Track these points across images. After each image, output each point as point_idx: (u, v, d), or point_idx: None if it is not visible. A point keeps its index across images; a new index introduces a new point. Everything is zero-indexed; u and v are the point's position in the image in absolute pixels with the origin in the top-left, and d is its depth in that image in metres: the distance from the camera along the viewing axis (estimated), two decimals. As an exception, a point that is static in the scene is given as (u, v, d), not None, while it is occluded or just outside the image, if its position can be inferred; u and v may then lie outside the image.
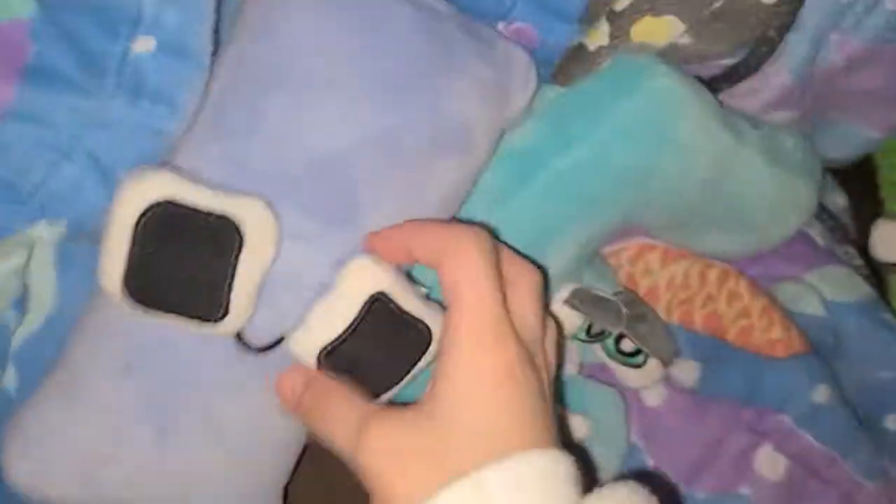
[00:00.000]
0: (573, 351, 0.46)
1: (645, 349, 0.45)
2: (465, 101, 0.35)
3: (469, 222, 0.35)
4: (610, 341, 0.45)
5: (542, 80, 0.39)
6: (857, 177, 0.55)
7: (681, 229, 0.46)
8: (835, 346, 0.51)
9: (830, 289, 0.50)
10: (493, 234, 0.34)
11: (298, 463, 0.41)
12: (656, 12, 0.36)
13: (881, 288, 0.52)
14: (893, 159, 0.54)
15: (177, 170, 0.31)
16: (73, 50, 0.30)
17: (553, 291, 0.43)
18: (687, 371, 0.49)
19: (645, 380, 0.46)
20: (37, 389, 0.35)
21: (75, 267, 0.36)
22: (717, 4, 0.36)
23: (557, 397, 0.35)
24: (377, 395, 0.34)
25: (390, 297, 0.33)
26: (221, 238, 0.31)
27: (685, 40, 0.38)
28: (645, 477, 0.33)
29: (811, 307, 0.51)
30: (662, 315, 0.49)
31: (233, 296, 0.31)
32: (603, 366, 0.46)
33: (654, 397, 0.48)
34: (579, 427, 0.43)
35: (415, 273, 0.37)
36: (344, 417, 0.31)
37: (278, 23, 0.33)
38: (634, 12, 0.36)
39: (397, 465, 0.30)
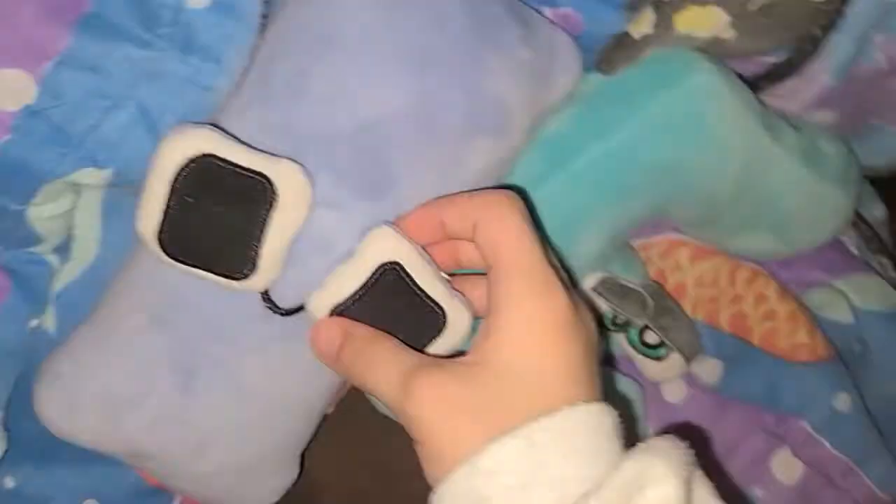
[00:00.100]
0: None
1: (668, 342, 0.45)
2: (504, 82, 0.35)
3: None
4: (634, 332, 0.45)
5: (586, 67, 0.39)
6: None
7: (712, 226, 0.46)
8: (861, 355, 0.50)
9: (860, 296, 0.50)
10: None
11: (317, 432, 0.41)
12: (701, 2, 0.36)
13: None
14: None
15: (219, 128, 0.32)
16: (130, 0, 0.31)
17: (581, 279, 0.43)
18: (709, 369, 0.49)
19: (666, 373, 0.46)
20: (74, 331, 0.36)
21: (120, 218, 0.38)
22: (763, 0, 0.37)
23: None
24: None
25: (405, 269, 0.33)
26: (255, 197, 0.32)
27: (729, 34, 0.38)
28: (684, 432, 0.33)
29: (840, 314, 0.51)
30: (689, 311, 0.49)
31: (261, 254, 0.32)
32: (625, 357, 0.47)
33: (674, 393, 0.49)
34: None
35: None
36: (390, 367, 0.31)
37: None
38: (680, 1, 0.37)
39: (447, 416, 0.29)
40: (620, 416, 0.31)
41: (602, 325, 0.45)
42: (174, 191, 0.31)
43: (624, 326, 0.45)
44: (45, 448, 0.40)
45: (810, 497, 0.47)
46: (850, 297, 0.50)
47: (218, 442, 0.37)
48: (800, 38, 0.39)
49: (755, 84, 0.43)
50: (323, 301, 0.33)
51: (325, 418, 0.42)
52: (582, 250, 0.42)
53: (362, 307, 0.33)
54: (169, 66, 0.32)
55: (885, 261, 0.52)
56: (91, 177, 0.33)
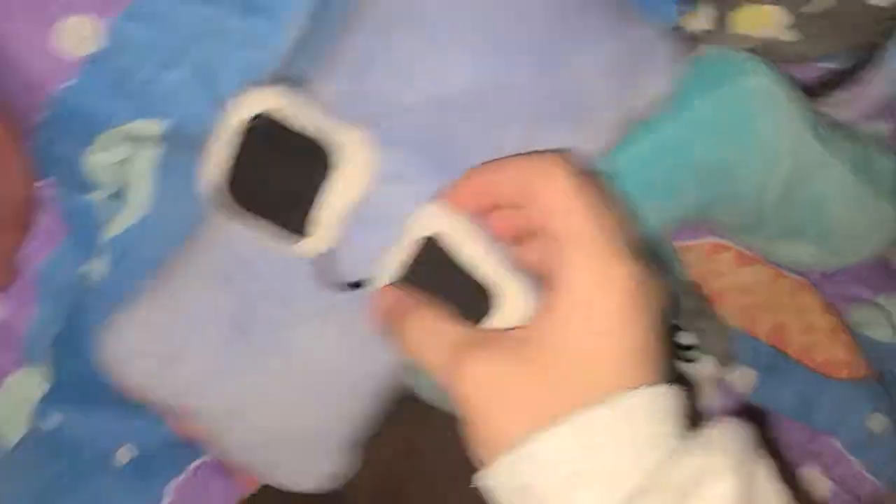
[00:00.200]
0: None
1: (700, 345, 0.45)
2: (584, 73, 0.35)
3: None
4: (666, 331, 0.45)
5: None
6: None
7: (756, 232, 0.45)
8: (900, 376, 0.49)
9: (903, 312, 0.49)
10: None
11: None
12: (761, 0, 0.36)
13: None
14: None
15: (291, 88, 0.32)
16: (201, -41, 0.32)
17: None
18: (743, 378, 0.49)
19: (698, 377, 0.46)
20: (142, 284, 0.37)
21: (173, 174, 0.39)
22: (826, 4, 0.36)
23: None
24: None
25: (447, 244, 0.31)
26: (316, 158, 0.32)
27: (790, 36, 0.38)
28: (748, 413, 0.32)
29: (880, 332, 0.50)
30: (726, 318, 0.48)
31: (317, 215, 0.33)
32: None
33: (705, 399, 0.48)
34: None
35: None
36: (439, 339, 0.30)
37: None
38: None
39: (497, 397, 0.28)
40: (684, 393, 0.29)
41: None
42: (240, 144, 0.32)
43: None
44: (88, 392, 0.41)
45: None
46: (894, 315, 0.49)
47: (263, 405, 0.36)
48: (858, 46, 0.39)
49: (811, 91, 0.43)
50: (379, 280, 0.33)
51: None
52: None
53: (412, 284, 0.32)
54: (230, 25, 0.33)
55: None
56: (147, 128, 0.34)
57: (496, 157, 0.32)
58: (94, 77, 0.33)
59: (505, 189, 0.30)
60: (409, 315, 0.31)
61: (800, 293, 0.48)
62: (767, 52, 0.40)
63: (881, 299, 0.49)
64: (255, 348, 0.36)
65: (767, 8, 0.36)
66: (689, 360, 0.46)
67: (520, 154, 0.32)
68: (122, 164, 0.37)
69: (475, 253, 0.31)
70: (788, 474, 0.29)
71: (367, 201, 0.33)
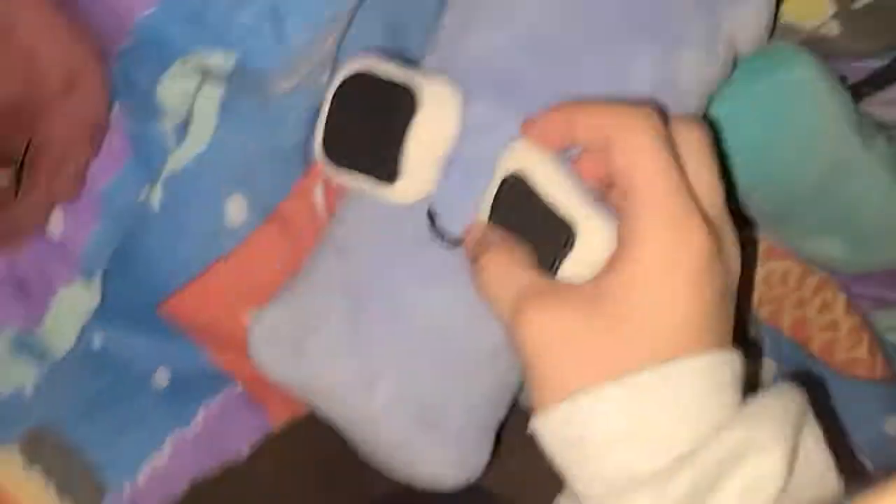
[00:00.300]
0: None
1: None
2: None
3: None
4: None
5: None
6: None
7: (787, 223, 0.46)
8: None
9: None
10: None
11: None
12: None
13: None
14: None
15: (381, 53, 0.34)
16: None
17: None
18: (764, 368, 0.50)
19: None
20: None
21: (234, 117, 0.41)
22: (871, -1, 0.38)
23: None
24: None
25: (531, 180, 0.31)
26: (399, 105, 0.34)
27: (833, 30, 0.39)
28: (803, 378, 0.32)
29: (901, 336, 0.50)
30: (753, 307, 0.50)
31: (404, 158, 0.34)
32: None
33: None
34: None
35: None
36: (510, 281, 0.30)
37: None
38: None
39: (556, 345, 0.28)
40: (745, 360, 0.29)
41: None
42: (333, 104, 0.35)
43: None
44: (133, 315, 0.44)
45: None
46: (919, 321, 0.50)
47: (387, 375, 0.36)
48: (903, 45, 0.40)
49: (858, 89, 0.44)
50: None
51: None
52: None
53: (499, 221, 0.32)
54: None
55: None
56: (216, 61, 0.36)
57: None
58: (173, 6, 0.34)
59: (588, 132, 0.30)
60: (488, 253, 0.31)
61: (825, 290, 0.49)
62: (814, 47, 0.41)
63: (907, 305, 0.50)
64: (372, 315, 0.36)
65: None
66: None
67: (607, 100, 0.31)
68: (190, 97, 0.39)
69: (559, 188, 0.31)
70: (839, 440, 0.29)
71: (458, 153, 0.34)
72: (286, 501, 0.49)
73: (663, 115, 0.30)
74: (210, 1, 0.35)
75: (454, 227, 0.35)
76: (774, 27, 0.40)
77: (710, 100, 0.40)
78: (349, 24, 0.39)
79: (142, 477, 0.42)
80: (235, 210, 0.43)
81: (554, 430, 0.28)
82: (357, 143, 0.35)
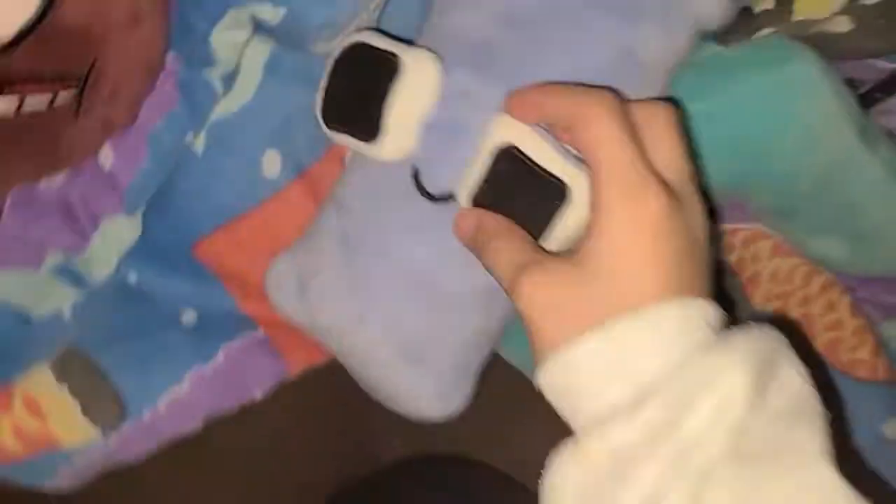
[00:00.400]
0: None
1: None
2: None
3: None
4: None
5: (707, 37, 0.43)
6: None
7: (790, 220, 0.48)
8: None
9: (933, 328, 0.51)
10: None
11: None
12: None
13: None
14: None
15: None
16: None
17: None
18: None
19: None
20: None
21: (278, 73, 0.44)
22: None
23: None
24: None
25: (521, 149, 0.35)
26: (384, 70, 0.37)
27: (844, 27, 0.42)
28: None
29: (910, 348, 0.51)
30: (759, 303, 0.51)
31: (386, 118, 0.37)
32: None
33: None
34: None
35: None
36: (506, 258, 0.34)
37: None
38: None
39: (547, 310, 0.32)
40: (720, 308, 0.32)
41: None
42: (330, 74, 0.39)
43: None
44: (168, 254, 0.46)
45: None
46: (923, 327, 0.51)
47: (375, 313, 0.40)
48: (913, 46, 0.42)
49: (868, 95, 0.46)
50: (462, 190, 0.37)
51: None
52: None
53: (494, 192, 0.35)
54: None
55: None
56: (268, 13, 0.40)
57: (560, 60, 0.36)
58: (232, -41, 0.38)
59: (559, 110, 0.34)
60: (484, 237, 0.35)
61: (830, 290, 0.51)
62: (823, 46, 0.43)
63: (912, 311, 0.51)
64: (365, 261, 0.40)
65: (831, -8, 0.40)
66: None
67: (571, 84, 0.35)
68: (240, 48, 0.42)
69: (548, 152, 0.34)
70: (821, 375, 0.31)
71: (438, 117, 0.38)
72: (295, 446, 0.51)
73: (624, 96, 0.33)
74: (266, -45, 0.38)
75: (434, 183, 0.38)
76: (787, 20, 0.42)
77: (711, 92, 0.42)
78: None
79: (161, 405, 0.45)
80: (270, 164, 0.46)
81: (550, 379, 0.32)
82: (348, 106, 0.38)
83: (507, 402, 0.52)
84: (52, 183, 0.42)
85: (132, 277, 0.46)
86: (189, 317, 0.47)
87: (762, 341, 0.30)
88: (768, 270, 0.51)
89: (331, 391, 0.50)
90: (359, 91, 0.38)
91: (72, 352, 0.44)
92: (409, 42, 0.39)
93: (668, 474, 0.28)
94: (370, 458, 0.55)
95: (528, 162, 0.35)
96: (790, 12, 0.41)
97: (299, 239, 0.43)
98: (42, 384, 0.43)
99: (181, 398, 0.45)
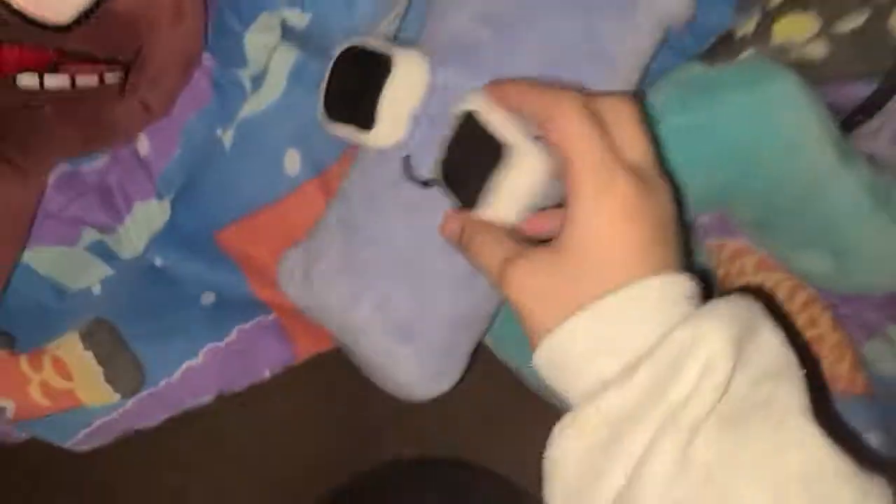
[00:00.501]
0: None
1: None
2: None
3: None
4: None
5: (694, 58, 0.48)
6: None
7: (773, 234, 0.50)
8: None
9: (910, 346, 0.53)
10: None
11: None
12: (800, 8, 0.44)
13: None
14: None
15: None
16: None
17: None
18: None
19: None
20: None
21: (301, 77, 0.48)
22: (858, 20, 0.43)
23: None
24: (469, 207, 0.39)
25: (481, 116, 0.38)
26: (379, 68, 0.41)
27: (820, 50, 0.45)
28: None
29: (889, 366, 0.53)
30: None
31: (379, 109, 0.41)
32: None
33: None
34: None
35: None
36: (492, 254, 0.36)
37: None
38: (783, 8, 0.44)
39: (535, 298, 0.34)
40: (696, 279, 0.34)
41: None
42: (333, 72, 0.43)
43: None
44: (193, 242, 0.50)
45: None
46: (901, 344, 0.53)
47: (369, 291, 0.42)
48: (885, 71, 0.45)
49: (850, 119, 0.49)
50: (435, 161, 0.40)
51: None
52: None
53: (455, 156, 0.39)
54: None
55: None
56: (296, 18, 0.44)
57: (536, 57, 0.40)
58: (267, -32, 0.43)
59: (531, 107, 0.37)
60: (469, 235, 0.38)
61: (813, 306, 0.53)
62: (803, 71, 0.46)
63: (890, 329, 0.54)
64: (362, 241, 0.43)
65: (806, 15, 0.44)
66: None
67: (545, 83, 0.38)
68: (270, 51, 0.47)
69: (502, 122, 0.38)
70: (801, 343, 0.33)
71: (427, 109, 0.42)
72: (296, 435, 0.54)
73: (592, 92, 0.36)
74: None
75: (422, 169, 0.42)
76: (767, 45, 0.46)
77: (695, 107, 0.45)
78: (409, 6, 0.47)
79: (177, 375, 0.48)
80: (291, 162, 0.50)
81: (544, 361, 0.34)
82: (346, 100, 0.43)
83: (505, 405, 0.55)
84: (94, 165, 0.47)
85: (159, 261, 0.50)
86: (208, 298, 0.51)
87: (740, 308, 0.32)
88: (753, 284, 0.54)
89: (332, 386, 0.53)
90: (355, 87, 0.42)
91: (99, 322, 0.48)
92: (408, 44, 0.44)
93: (659, 434, 0.30)
94: (368, 456, 0.57)
95: (484, 128, 0.38)
96: (769, 35, 0.45)
97: (309, 230, 0.47)
98: (70, 349, 0.47)
99: (196, 369, 0.48)
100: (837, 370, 0.52)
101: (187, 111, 0.47)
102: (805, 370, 0.33)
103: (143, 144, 0.47)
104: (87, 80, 0.39)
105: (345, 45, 0.43)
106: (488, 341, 0.51)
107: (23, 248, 0.44)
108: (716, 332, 0.31)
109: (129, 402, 0.47)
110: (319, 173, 0.51)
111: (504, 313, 0.47)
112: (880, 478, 0.31)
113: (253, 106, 0.49)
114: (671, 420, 0.30)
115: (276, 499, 0.54)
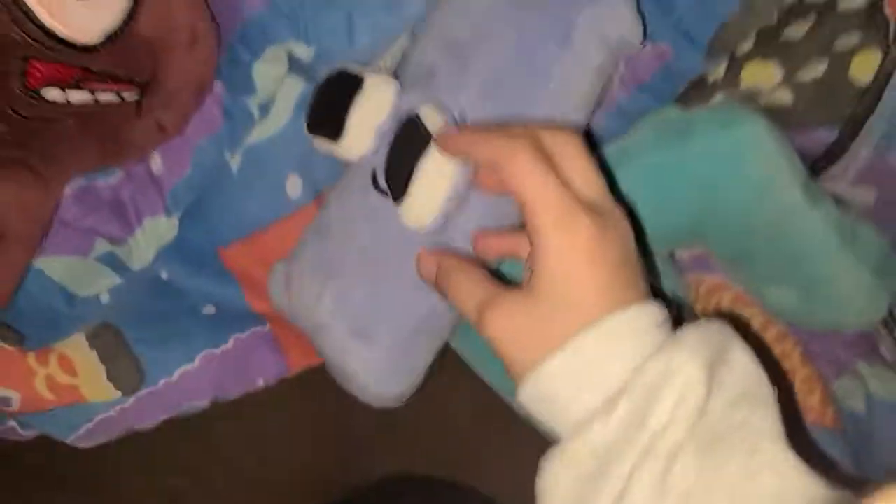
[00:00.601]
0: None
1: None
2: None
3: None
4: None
5: (671, 101, 0.51)
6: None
7: (745, 270, 0.52)
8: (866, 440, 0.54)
9: (877, 381, 0.55)
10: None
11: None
12: (763, 57, 0.47)
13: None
14: None
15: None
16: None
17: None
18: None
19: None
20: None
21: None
22: (818, 70, 0.47)
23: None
24: (400, 199, 0.43)
25: (420, 117, 0.42)
26: (350, 88, 0.45)
27: (786, 97, 0.49)
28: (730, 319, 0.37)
29: (857, 403, 0.55)
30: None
31: (347, 123, 0.45)
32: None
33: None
34: None
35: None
36: (469, 296, 0.38)
37: None
38: (749, 56, 0.48)
39: (513, 338, 0.36)
40: (663, 304, 0.36)
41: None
42: (317, 93, 0.47)
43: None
44: (198, 257, 0.54)
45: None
46: (868, 383, 0.55)
47: (330, 289, 0.45)
48: (846, 118, 0.49)
49: (817, 164, 0.52)
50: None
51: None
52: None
53: (393, 155, 0.43)
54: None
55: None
56: (301, 50, 0.49)
57: (478, 87, 0.44)
58: (276, 7, 0.47)
59: (482, 155, 0.38)
60: (444, 276, 0.40)
61: (784, 341, 0.55)
62: (771, 118, 0.50)
63: (860, 365, 0.56)
64: (329, 244, 0.47)
65: (770, 63, 0.47)
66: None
67: (493, 129, 0.40)
68: (278, 81, 0.51)
69: (435, 120, 0.42)
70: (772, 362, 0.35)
71: (392, 126, 0.45)
72: (285, 450, 0.56)
73: (538, 128, 0.38)
74: (301, 6, 0.47)
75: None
76: (737, 90, 0.49)
77: (670, 146, 0.48)
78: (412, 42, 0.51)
79: (175, 377, 0.51)
80: (293, 186, 0.54)
81: (528, 400, 0.36)
82: (322, 114, 0.46)
83: (494, 423, 0.56)
84: (109, 180, 0.51)
85: (164, 275, 0.54)
86: (209, 310, 0.54)
87: (710, 331, 0.34)
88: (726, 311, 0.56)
89: (323, 399, 0.55)
90: (331, 103, 0.46)
91: (105, 326, 0.51)
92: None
93: (639, 463, 0.32)
94: (360, 469, 0.59)
95: (421, 126, 0.42)
96: (738, 81, 0.49)
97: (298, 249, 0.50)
98: (76, 348, 0.50)
99: (192, 373, 0.51)
100: (808, 402, 0.54)
101: (199, 134, 0.51)
102: (777, 388, 0.34)
103: (157, 162, 0.51)
104: (107, 97, 0.43)
105: (330, 69, 0.46)
106: (470, 360, 0.54)
107: (36, 251, 0.47)
108: (687, 360, 0.32)
109: (129, 401, 0.50)
110: (318, 197, 0.54)
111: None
112: (850, 496, 0.32)
113: (260, 133, 0.52)
114: (650, 449, 0.32)
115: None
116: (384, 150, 0.45)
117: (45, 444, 0.52)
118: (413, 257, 0.44)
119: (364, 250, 0.46)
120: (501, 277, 0.43)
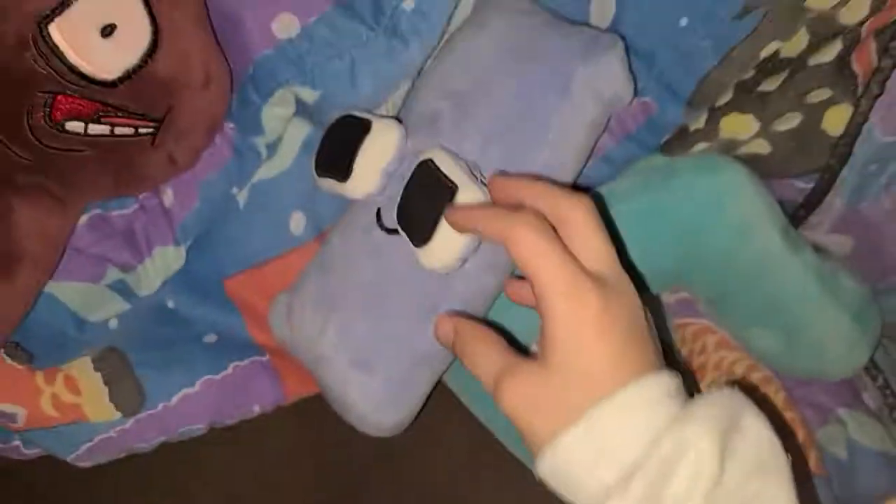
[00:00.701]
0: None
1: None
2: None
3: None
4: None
5: (655, 150, 0.54)
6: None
7: (727, 313, 0.54)
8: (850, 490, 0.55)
9: (858, 427, 0.56)
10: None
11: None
12: (740, 110, 0.50)
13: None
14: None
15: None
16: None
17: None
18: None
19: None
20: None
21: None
22: (793, 122, 0.49)
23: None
24: (421, 244, 0.44)
25: (436, 162, 0.44)
26: (359, 132, 0.48)
27: (764, 147, 0.51)
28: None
29: (839, 450, 0.56)
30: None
31: (355, 163, 0.48)
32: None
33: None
34: None
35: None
36: (487, 365, 0.38)
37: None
38: (728, 108, 0.51)
39: (530, 410, 0.36)
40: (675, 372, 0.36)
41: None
42: (325, 137, 0.50)
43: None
44: (203, 287, 0.56)
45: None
46: (849, 429, 0.56)
47: (333, 321, 0.47)
48: (821, 168, 0.51)
49: (797, 213, 0.54)
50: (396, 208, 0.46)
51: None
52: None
53: (410, 199, 0.45)
54: (379, 42, 0.51)
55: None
56: (307, 94, 0.52)
57: (478, 135, 0.47)
58: (284, 52, 0.50)
59: (489, 231, 0.39)
60: (461, 343, 0.41)
61: (768, 385, 0.57)
62: (752, 164, 0.52)
63: (842, 412, 0.57)
64: (332, 278, 0.49)
65: (747, 116, 0.50)
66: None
67: (500, 206, 0.41)
68: (285, 123, 0.54)
69: (452, 167, 0.43)
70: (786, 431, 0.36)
71: (397, 169, 0.48)
72: (279, 474, 0.57)
73: (553, 192, 0.39)
74: (308, 53, 0.51)
75: (391, 219, 0.47)
76: (716, 139, 0.52)
77: (654, 190, 0.51)
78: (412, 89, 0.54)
79: (174, 401, 0.53)
80: (296, 223, 0.56)
81: (547, 475, 0.37)
82: (330, 157, 0.49)
83: (485, 458, 0.57)
84: (123, 211, 0.54)
85: (171, 303, 0.56)
86: (210, 338, 0.56)
87: (722, 400, 0.35)
88: (713, 361, 0.58)
89: (321, 427, 0.57)
90: (339, 146, 0.49)
91: (111, 350, 0.54)
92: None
93: None
94: (356, 499, 0.60)
95: (436, 174, 0.43)
96: (717, 131, 0.52)
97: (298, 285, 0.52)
98: (81, 369, 0.53)
99: (192, 397, 0.53)
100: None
101: (209, 169, 0.54)
102: (790, 454, 0.35)
103: (168, 196, 0.54)
104: (123, 130, 0.46)
105: (337, 114, 0.50)
106: (461, 396, 0.56)
107: (51, 274, 0.50)
108: (701, 433, 0.33)
109: (129, 422, 0.52)
110: (320, 235, 0.57)
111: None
112: None
113: (266, 171, 0.55)
114: None
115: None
116: (392, 191, 0.47)
117: (47, 464, 0.54)
118: (414, 293, 0.46)
119: (366, 285, 0.48)
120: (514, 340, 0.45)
